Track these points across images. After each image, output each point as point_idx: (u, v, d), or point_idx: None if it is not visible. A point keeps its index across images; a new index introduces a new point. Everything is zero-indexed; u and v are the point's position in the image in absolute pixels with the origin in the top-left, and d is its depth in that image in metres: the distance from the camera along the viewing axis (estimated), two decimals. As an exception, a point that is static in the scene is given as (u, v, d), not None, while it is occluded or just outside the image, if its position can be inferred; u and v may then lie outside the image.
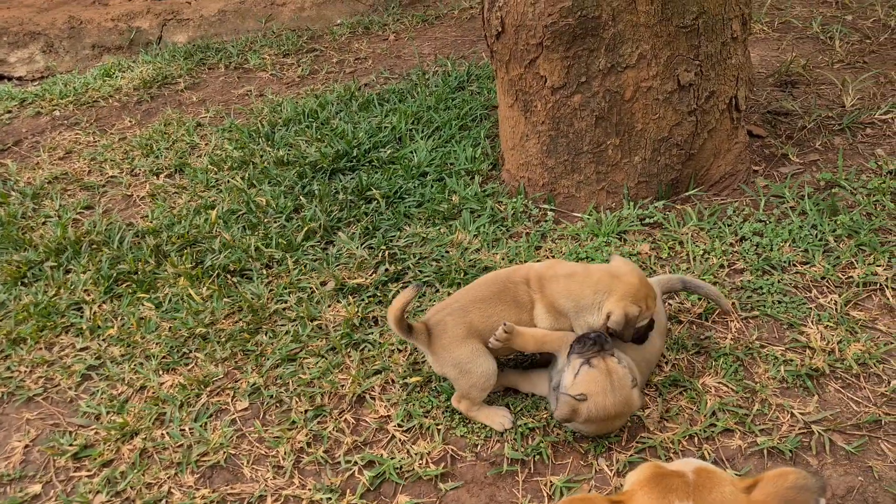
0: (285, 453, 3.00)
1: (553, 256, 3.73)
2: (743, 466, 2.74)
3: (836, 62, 5.20)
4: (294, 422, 3.11)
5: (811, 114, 4.54)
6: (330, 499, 2.83)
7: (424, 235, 3.98)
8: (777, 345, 3.16)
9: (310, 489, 2.87)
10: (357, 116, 5.23)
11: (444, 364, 2.95)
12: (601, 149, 3.86)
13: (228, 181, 4.72)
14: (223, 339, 3.51)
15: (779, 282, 3.41)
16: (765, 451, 2.77)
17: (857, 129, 4.38)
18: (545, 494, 2.76)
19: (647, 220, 3.85)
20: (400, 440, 3.01)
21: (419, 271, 3.76)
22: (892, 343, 3.09)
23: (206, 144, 5.32)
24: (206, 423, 3.16)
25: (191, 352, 3.51)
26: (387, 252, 3.89)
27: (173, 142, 5.41)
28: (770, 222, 3.72)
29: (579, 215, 3.95)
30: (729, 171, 4.06)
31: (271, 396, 3.25)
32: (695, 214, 3.80)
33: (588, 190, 3.97)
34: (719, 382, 3.04)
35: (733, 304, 3.34)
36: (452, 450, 2.96)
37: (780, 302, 3.32)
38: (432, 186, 4.30)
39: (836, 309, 3.25)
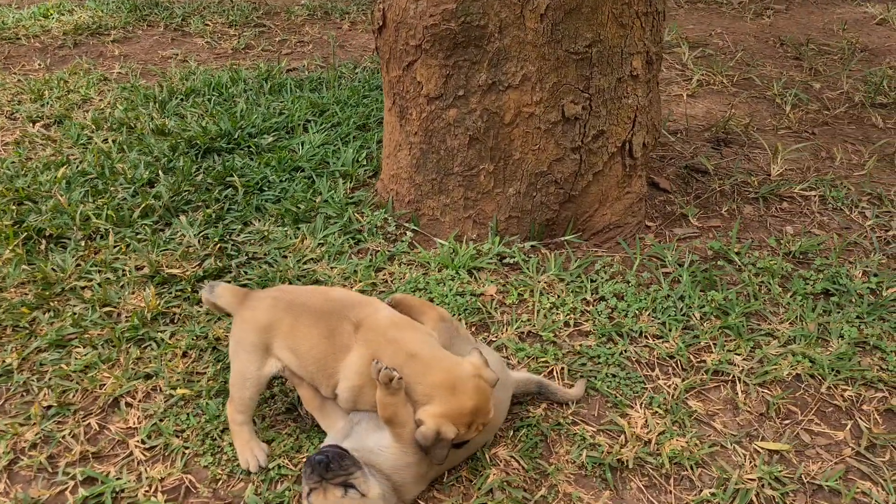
0: (3, 452, 2.60)
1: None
2: (496, 561, 2.33)
3: (782, 128, 4.80)
4: (30, 417, 2.71)
5: (731, 176, 4.13)
6: (27, 513, 2.43)
7: (267, 234, 3.59)
8: (591, 424, 2.74)
9: (9, 497, 2.47)
10: (263, 99, 4.86)
11: (231, 336, 2.61)
12: (473, 173, 3.46)
13: (97, 142, 4.33)
14: None
15: (622, 353, 3.00)
16: (529, 548, 2.36)
17: (772, 201, 3.97)
18: (267, 553, 2.36)
19: (507, 260, 3.45)
20: (138, 459, 2.61)
21: (243, 272, 3.37)
22: (719, 446, 2.67)
23: (99, 100, 4.94)
24: (-67, 401, 2.77)
25: (-41, 318, 3.11)
26: (219, 245, 3.49)
27: (67, 91, 5.05)
28: (635, 285, 3.31)
29: (441, 241, 3.54)
30: (615, 221, 3.66)
31: (20, 383, 2.86)
32: (557, 263, 3.40)
33: (454, 216, 3.57)
34: (511, 456, 2.63)
35: (563, 369, 2.93)
36: (191, 481, 2.55)
37: (614, 376, 2.91)
38: (299, 183, 3.90)
39: (674, 395, 2.84)
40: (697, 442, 2.67)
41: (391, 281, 3.34)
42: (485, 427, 2.42)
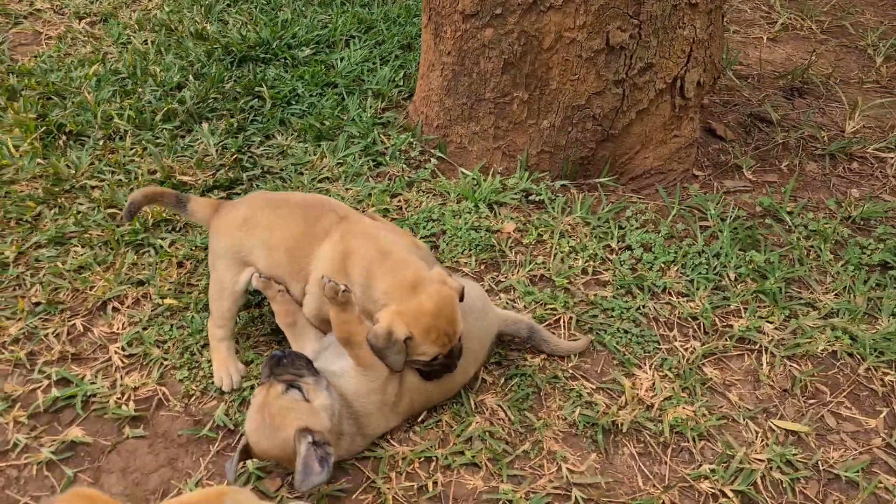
0: (-14, 343, 2.56)
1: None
2: (461, 514, 2.17)
3: (868, 82, 4.33)
4: (17, 312, 2.66)
5: (798, 129, 3.74)
6: (-3, 408, 2.39)
7: (287, 149, 3.44)
8: (591, 381, 2.53)
9: (-17, 388, 2.44)
10: (310, 10, 4.65)
11: (209, 249, 2.54)
12: (506, 101, 3.20)
13: (136, 42, 4.23)
14: (7, 200, 3.07)
15: (639, 308, 2.75)
16: (500, 503, 2.19)
17: (840, 160, 3.58)
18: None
19: (533, 198, 3.20)
20: (116, 365, 2.54)
21: (255, 185, 3.23)
22: (730, 419, 2.43)
23: (147, 1, 4.82)
24: (-74, 286, 2.75)
25: (-33, 206, 3.08)
26: (236, 157, 3.35)
27: (120, -11, 4.93)
28: (667, 237, 3.03)
29: (466, 171, 3.32)
30: (657, 167, 3.36)
31: (14, 277, 2.81)
32: (586, 205, 3.13)
33: (482, 146, 3.33)
34: (499, 405, 2.44)
35: (571, 319, 2.70)
36: (164, 393, 2.47)
37: (626, 332, 2.67)
38: (329, 100, 3.71)
39: (689, 359, 2.59)
40: (706, 412, 2.43)
41: (405, 208, 3.15)
42: (453, 346, 2.23)
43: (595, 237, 3.02)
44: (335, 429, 2.15)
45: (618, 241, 3.02)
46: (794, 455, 2.33)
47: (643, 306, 2.77)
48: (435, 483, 2.25)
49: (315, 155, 3.40)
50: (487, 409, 2.43)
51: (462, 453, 2.31)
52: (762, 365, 2.60)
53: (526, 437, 2.37)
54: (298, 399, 2.08)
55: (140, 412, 2.41)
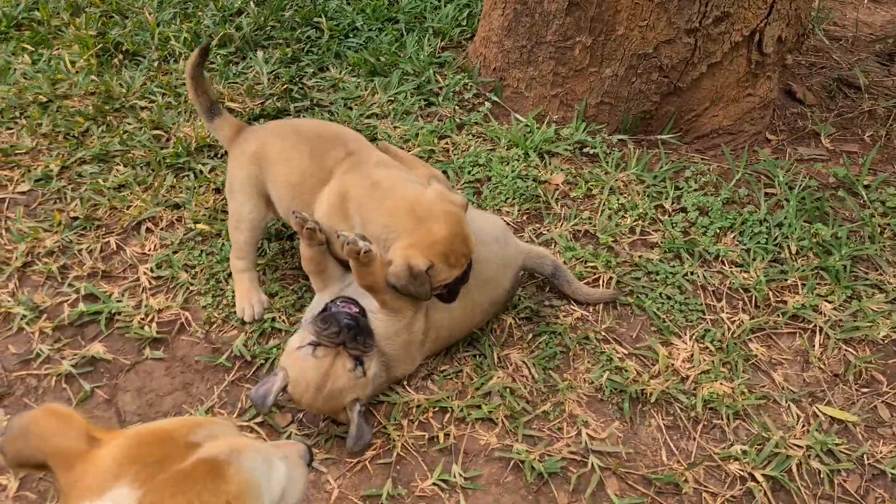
0: (22, 253, 2.58)
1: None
2: (472, 468, 2.09)
3: (978, 52, 3.94)
4: (54, 224, 2.67)
5: (889, 97, 3.43)
6: (25, 317, 2.41)
7: (339, 82, 3.34)
8: (624, 346, 2.39)
9: (14, 298, 2.46)
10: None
11: (227, 174, 2.46)
12: (567, 45, 3.02)
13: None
14: (58, 115, 3.08)
15: (687, 275, 2.58)
16: (511, 463, 2.10)
17: (933, 134, 3.27)
18: (242, 407, 2.23)
19: (587, 150, 3.03)
20: (143, 286, 2.53)
21: (302, 117, 3.15)
22: (771, 400, 2.27)
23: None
24: (-28, 192, 2.79)
25: (19, 118, 3.10)
26: (287, 87, 3.28)
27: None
28: (727, 201, 2.83)
29: (520, 117, 3.16)
30: (726, 127, 3.13)
31: (55, 190, 2.82)
32: (642, 162, 2.95)
33: (540, 92, 3.17)
34: (524, 362, 2.34)
35: (611, 279, 2.56)
36: (187, 318, 2.45)
37: (669, 298, 2.51)
38: (388, 34, 3.59)
39: (735, 332, 2.42)
40: (745, 391, 2.26)
41: (452, 151, 3.02)
42: (468, 264, 2.13)
43: (648, 196, 2.84)
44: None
45: (672, 202, 2.83)
46: (838, 445, 2.15)
47: (691, 273, 2.59)
48: (447, 435, 2.16)
49: (366, 90, 3.29)
50: (511, 365, 2.33)
51: (479, 407, 2.21)
52: (814, 346, 2.41)
53: (548, 398, 2.25)
54: (359, 376, 2.04)
55: (161, 335, 2.39)
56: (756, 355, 2.38)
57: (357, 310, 2.11)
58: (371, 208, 2.14)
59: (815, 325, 2.47)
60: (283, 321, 2.42)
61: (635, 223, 2.74)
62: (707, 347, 2.39)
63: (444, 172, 2.90)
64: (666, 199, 2.84)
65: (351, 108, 3.21)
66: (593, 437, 2.17)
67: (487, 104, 3.23)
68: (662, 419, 2.22)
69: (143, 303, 2.47)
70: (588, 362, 2.34)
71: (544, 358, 2.34)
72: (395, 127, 3.13)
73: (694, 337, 2.42)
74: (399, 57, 3.44)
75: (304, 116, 3.15)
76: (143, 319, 2.43)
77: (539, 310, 2.47)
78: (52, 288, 2.51)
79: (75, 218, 2.72)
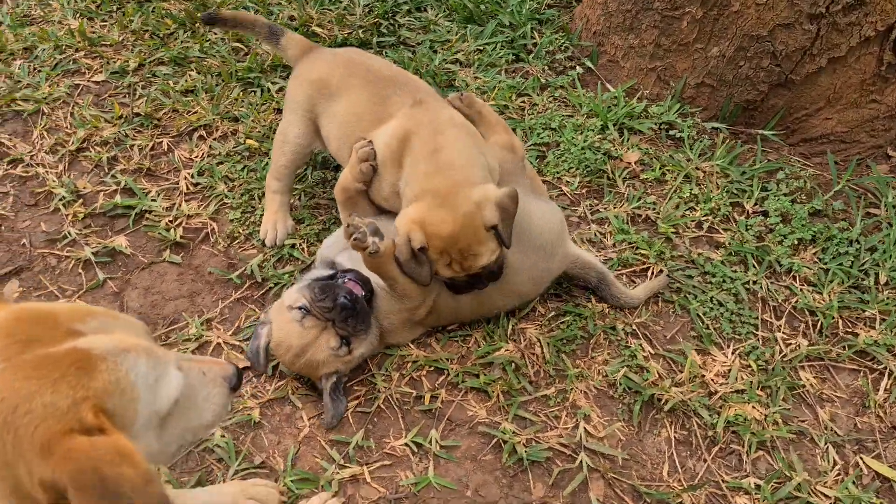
0: (79, 138, 2.62)
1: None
2: (451, 437, 1.94)
3: None
4: (114, 117, 2.70)
5: None
6: (64, 198, 2.45)
7: (431, 24, 3.20)
8: (654, 345, 2.15)
9: (59, 179, 2.50)
10: None
11: (286, 92, 2.37)
12: (675, 15, 2.75)
13: None
14: (151, 14, 3.12)
15: (748, 283, 2.30)
16: (494, 441, 1.94)
17: None
18: (240, 326, 2.18)
19: (673, 133, 2.76)
20: (181, 190, 2.51)
21: (383, 53, 3.04)
22: (807, 438, 1.99)
23: None
24: (49, 76, 2.85)
25: (115, 11, 3.15)
26: (377, 21, 3.17)
27: None
28: (815, 213, 2.50)
29: (611, 87, 2.92)
30: (839, 133, 2.78)
31: (128, 85, 2.85)
32: (731, 155, 2.65)
33: (636, 63, 2.91)
34: (538, 339, 2.16)
35: (660, 272, 2.31)
36: (213, 228, 2.42)
37: (720, 304, 2.25)
38: (496, -16, 3.40)
39: (786, 356, 2.13)
40: (778, 420, 1.99)
41: (527, 110, 2.83)
42: (473, 273, 1.94)
43: (727, 192, 2.54)
44: None
45: (755, 203, 2.53)
46: (874, 504, 1.85)
47: (754, 282, 2.30)
48: (435, 397, 2.02)
49: (456, 36, 3.13)
50: (524, 340, 2.14)
51: (476, 376, 2.05)
52: (878, 390, 2.09)
53: (553, 382, 2.06)
54: (343, 354, 1.94)
55: (184, 240, 2.37)
56: (804, 386, 2.09)
57: (364, 293, 1.96)
58: (419, 171, 1.96)
59: (886, 368, 2.13)
60: (303, 250, 2.34)
61: (705, 218, 2.46)
62: (749, 366, 2.11)
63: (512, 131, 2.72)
64: (748, 198, 2.54)
65: (436, 52, 3.07)
66: (591, 433, 1.96)
67: (579, 69, 3.00)
68: (675, 431, 1.98)
69: (176, 206, 2.45)
70: (608, 354, 2.12)
71: (562, 340, 2.14)
72: (475, 77, 2.96)
73: (737, 352, 2.14)
74: (500, 7, 3.25)
75: (386, 53, 3.03)
76: (170, 222, 2.41)
77: (571, 288, 2.27)
78: (96, 176, 2.53)
79: (137, 114, 2.73)
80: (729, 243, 2.39)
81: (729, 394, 2.04)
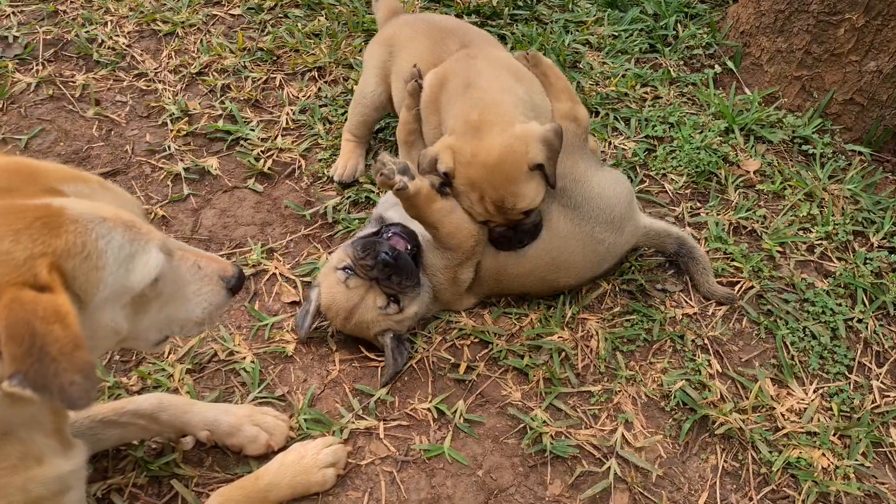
0: (201, 63, 2.72)
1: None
2: (478, 413, 1.84)
3: None
4: (238, 48, 2.78)
5: None
6: (173, 115, 2.54)
7: (571, 4, 3.09)
8: (724, 364, 1.94)
9: (174, 98, 2.60)
10: None
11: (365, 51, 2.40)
12: (832, 20, 2.49)
13: None
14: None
15: (852, 320, 2.04)
16: (521, 426, 1.82)
17: None
18: (299, 261, 2.17)
19: (805, 148, 2.50)
20: (281, 124, 2.55)
21: (514, 25, 2.95)
22: (881, 501, 1.72)
23: None
24: (192, 3, 2.98)
25: (265, -48, 3.24)
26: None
27: None
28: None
29: (748, 92, 2.69)
30: None
31: (259, 21, 2.94)
32: (864, 180, 2.37)
33: (781, 69, 2.66)
34: (596, 332, 2.00)
35: (750, 290, 2.09)
36: (301, 165, 2.45)
37: (814, 337, 2.00)
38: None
39: (879, 409, 1.87)
40: (851, 475, 1.73)
41: (647, 101, 2.65)
42: (511, 220, 1.83)
43: (852, 219, 2.26)
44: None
45: (881, 237, 2.23)
46: None
47: (859, 320, 2.03)
48: (472, 369, 1.91)
49: (592, 17, 2.98)
50: (582, 331, 1.99)
51: (521, 357, 1.93)
52: (985, 470, 1.78)
53: (601, 380, 1.90)
54: (392, 313, 1.87)
55: (271, 172, 2.39)
56: (894, 445, 1.81)
57: (410, 246, 1.88)
58: (452, 107, 1.93)
59: None
60: (373, 195, 2.29)
61: (819, 241, 2.20)
62: (830, 409, 1.86)
63: (626, 120, 2.56)
64: (876, 231, 2.25)
65: (568, 32, 2.94)
66: (629, 441, 1.79)
67: (717, 68, 2.78)
68: (724, 460, 1.77)
69: (272, 139, 2.47)
70: (669, 363, 1.93)
71: (622, 338, 1.97)
72: (602, 62, 2.81)
73: (821, 391, 1.89)
74: (653, -6, 3.07)
75: (515, 26, 2.94)
76: (262, 153, 2.43)
77: (647, 289, 2.09)
78: (207, 100, 2.60)
79: (260, 49, 2.79)
80: (840, 274, 2.12)
81: (798, 433, 1.80)
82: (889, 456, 1.80)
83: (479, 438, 1.79)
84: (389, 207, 2.05)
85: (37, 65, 2.69)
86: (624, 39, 2.88)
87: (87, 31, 2.80)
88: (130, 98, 2.61)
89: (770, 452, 1.77)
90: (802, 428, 1.81)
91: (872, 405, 1.87)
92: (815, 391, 1.89)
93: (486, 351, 1.95)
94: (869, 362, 1.97)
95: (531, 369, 1.90)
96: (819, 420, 1.83)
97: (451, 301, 2.00)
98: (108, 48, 2.76)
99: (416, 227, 1.91)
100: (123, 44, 2.78)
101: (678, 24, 2.94)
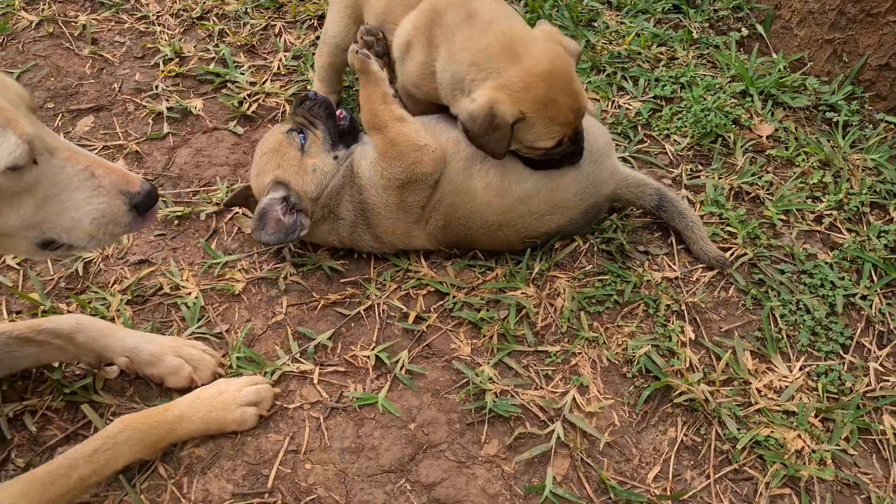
0: (203, 8, 2.68)
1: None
2: (421, 365, 1.71)
3: None
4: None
5: None
6: (165, 56, 2.50)
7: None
8: (699, 332, 1.77)
9: (170, 41, 2.55)
10: None
11: None
12: (869, -24, 2.26)
13: None
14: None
15: (854, 297, 1.83)
16: (464, 381, 1.68)
17: None
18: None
19: (829, 115, 2.28)
20: (272, 69, 2.47)
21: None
22: (859, 494, 1.53)
23: None
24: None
25: None
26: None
27: None
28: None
29: (774, 56, 2.49)
30: None
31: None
32: (890, 150, 2.14)
33: (812, 32, 2.44)
34: (562, 290, 1.85)
35: (743, 257, 1.91)
36: (286, 110, 2.35)
37: (807, 311, 1.81)
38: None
39: (874, 392, 1.66)
40: (828, 461, 1.55)
41: (660, 60, 2.47)
42: (578, 135, 1.71)
43: (871, 188, 2.04)
44: (327, 204, 1.80)
45: (900, 210, 2.00)
46: None
47: (863, 297, 1.82)
48: (422, 319, 1.79)
49: (617, -19, 2.81)
50: (549, 288, 1.84)
51: (477, 310, 1.79)
52: None
53: (560, 341, 1.75)
54: (293, 146, 1.78)
55: (255, 115, 2.32)
56: (884, 433, 1.60)
57: (346, 116, 1.85)
58: (460, 41, 1.78)
59: None
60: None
61: (829, 212, 1.99)
62: (816, 390, 1.66)
63: (635, 80, 2.39)
64: (892, 200, 2.01)
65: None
66: (579, 405, 1.63)
67: (744, 31, 2.57)
68: (684, 434, 1.60)
69: (259, 82, 2.39)
70: (638, 327, 1.76)
71: (590, 297, 1.81)
72: (619, 21, 2.63)
73: (808, 370, 1.70)
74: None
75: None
76: (248, 96, 2.36)
77: (628, 249, 1.92)
78: (203, 43, 2.54)
79: (264, -2, 2.72)
80: (848, 247, 1.91)
81: (773, 411, 1.61)
82: (878, 445, 1.59)
83: (417, 391, 1.66)
84: None
85: (44, 4, 2.68)
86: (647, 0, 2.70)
87: (96, -27, 2.78)
88: (128, 39, 2.58)
89: (738, 430, 1.59)
90: (779, 406, 1.62)
91: (866, 388, 1.66)
92: (800, 369, 1.70)
93: (441, 302, 1.82)
94: (869, 342, 1.75)
95: (485, 324, 1.76)
96: (801, 399, 1.63)
97: (395, 231, 1.84)
98: (115, -9, 2.74)
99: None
100: (130, -14, 2.75)
101: (711, -13, 2.74)
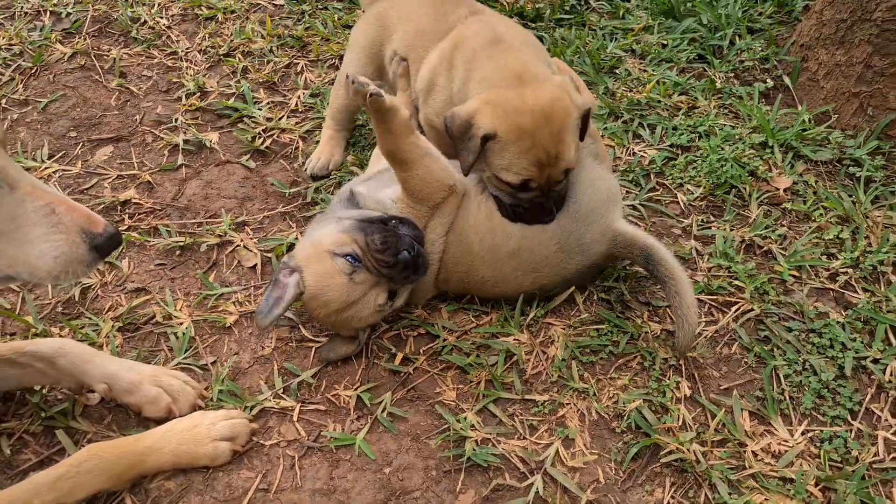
0: (231, 45, 2.74)
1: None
2: (403, 408, 1.67)
3: None
4: (268, 34, 2.77)
5: None
6: (189, 90, 2.55)
7: (624, 12, 2.91)
8: (695, 390, 1.69)
9: (194, 77, 2.61)
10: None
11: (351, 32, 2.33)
12: (898, 30, 2.21)
13: None
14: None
15: (865, 360, 1.73)
16: (445, 428, 1.64)
17: None
18: (267, 236, 2.09)
19: (852, 170, 2.20)
20: (290, 106, 2.50)
21: (555, 24, 2.81)
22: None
23: None
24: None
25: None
26: (567, -2, 2.95)
27: None
28: None
29: (798, 108, 2.43)
30: None
31: (301, 12, 2.97)
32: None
33: (838, 85, 2.38)
34: (556, 338, 1.80)
35: (747, 312, 1.83)
36: (298, 147, 2.39)
37: (814, 373, 1.72)
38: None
39: (879, 464, 1.57)
40: (822, 534, 1.44)
41: (681, 109, 2.43)
42: (551, 177, 1.68)
43: (889, 244, 1.95)
44: None
45: (924, 275, 1.90)
46: None
47: (877, 360, 1.72)
48: (410, 361, 1.75)
49: (641, 24, 2.79)
50: (540, 335, 1.79)
51: (467, 355, 1.75)
52: None
53: (549, 390, 1.69)
54: (386, 309, 1.72)
55: (268, 151, 2.34)
56: (890, 507, 1.49)
57: (418, 248, 1.68)
58: (480, 60, 1.80)
59: None
60: (350, 172, 2.19)
61: (844, 270, 1.90)
62: (818, 456, 1.56)
63: (652, 127, 2.35)
64: (919, 266, 1.92)
65: (614, 38, 2.75)
66: (563, 459, 1.56)
67: (769, 82, 2.52)
68: (671, 496, 1.51)
69: (276, 118, 2.42)
70: (632, 380, 1.69)
71: (584, 347, 1.76)
72: (642, 69, 2.60)
73: (810, 435, 1.60)
74: (709, 7, 2.84)
75: (559, 30, 2.79)
76: (262, 134, 2.39)
77: (629, 300, 1.86)
78: (225, 79, 2.59)
79: (291, 36, 2.76)
80: (862, 307, 1.82)
81: (769, 476, 1.52)
82: (883, 519, 1.48)
83: (397, 434, 1.62)
84: (361, 182, 1.93)
85: (79, 37, 2.77)
86: (671, 49, 2.67)
87: (132, 11, 2.87)
88: (156, 73, 2.64)
89: (729, 494, 1.50)
90: (776, 471, 1.53)
91: (873, 458, 1.56)
92: (802, 433, 1.60)
93: (431, 345, 1.78)
94: (880, 410, 1.65)
95: (473, 369, 1.71)
96: (800, 466, 1.54)
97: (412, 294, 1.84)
98: (149, 27, 2.82)
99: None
100: (164, 24, 2.83)
101: (736, 36, 2.69)
